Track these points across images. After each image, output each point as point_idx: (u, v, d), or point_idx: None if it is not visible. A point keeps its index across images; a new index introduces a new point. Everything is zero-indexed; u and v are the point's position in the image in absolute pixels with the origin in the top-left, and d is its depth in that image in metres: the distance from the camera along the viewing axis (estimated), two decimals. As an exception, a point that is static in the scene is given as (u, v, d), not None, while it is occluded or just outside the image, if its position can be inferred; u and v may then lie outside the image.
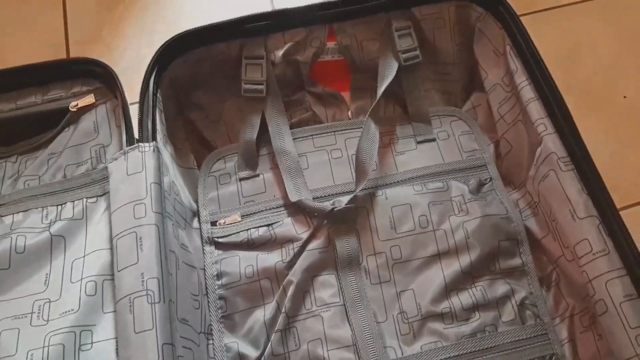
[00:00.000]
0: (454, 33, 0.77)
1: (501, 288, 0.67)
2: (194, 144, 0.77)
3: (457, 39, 0.77)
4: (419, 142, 0.76)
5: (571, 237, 0.61)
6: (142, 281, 0.54)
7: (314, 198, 0.70)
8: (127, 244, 0.57)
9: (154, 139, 0.64)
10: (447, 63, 0.79)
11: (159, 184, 0.61)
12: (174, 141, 0.73)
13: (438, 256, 0.67)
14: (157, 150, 0.63)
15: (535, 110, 0.67)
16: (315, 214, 0.68)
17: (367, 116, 0.70)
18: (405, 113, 0.78)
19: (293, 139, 0.74)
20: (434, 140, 0.76)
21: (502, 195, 0.72)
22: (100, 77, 0.70)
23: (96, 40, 0.95)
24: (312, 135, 0.76)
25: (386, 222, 0.68)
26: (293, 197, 0.69)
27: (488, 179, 0.73)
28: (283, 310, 0.64)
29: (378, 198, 0.70)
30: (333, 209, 0.66)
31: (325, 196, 0.71)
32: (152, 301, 0.53)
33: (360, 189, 0.67)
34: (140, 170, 0.61)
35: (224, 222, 0.70)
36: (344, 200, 0.68)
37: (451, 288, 0.66)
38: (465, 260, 0.67)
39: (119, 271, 0.56)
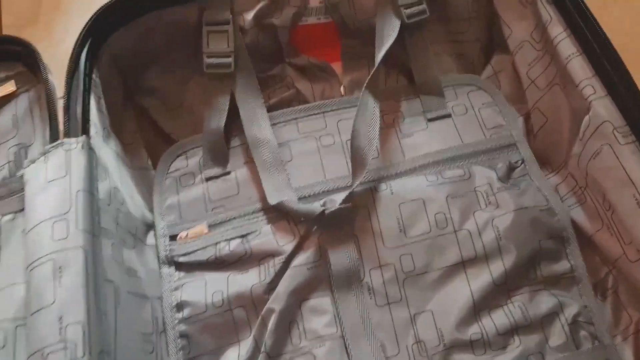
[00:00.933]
0: None
1: (546, 302, 0.53)
2: (149, 138, 0.64)
3: None
4: (430, 120, 0.62)
5: (636, 229, 0.50)
6: (60, 328, 0.41)
7: (299, 198, 0.57)
8: (42, 276, 0.43)
9: (85, 132, 0.50)
10: (461, 19, 0.66)
11: (91, 192, 0.47)
12: (122, 135, 0.60)
13: (462, 265, 0.53)
14: (88, 147, 0.49)
15: (579, 68, 0.54)
16: (302, 219, 0.55)
17: (363, 89, 0.57)
18: (411, 84, 0.65)
19: (272, 125, 0.61)
20: (448, 116, 0.62)
21: (539, 180, 0.59)
22: (23, 59, 0.57)
23: (33, 22, 0.82)
24: (295, 118, 0.63)
25: (393, 225, 0.54)
26: (272, 199, 0.55)
27: (519, 161, 0.60)
28: (263, 349, 0.50)
29: (382, 194, 0.56)
30: (324, 211, 0.53)
31: (314, 195, 0.58)
32: (73, 356, 0.39)
33: (357, 183, 0.54)
34: (63, 175, 0.47)
35: (186, 236, 0.56)
36: (338, 199, 0.55)
37: (481, 307, 0.52)
38: (497, 268, 0.53)
39: (31, 315, 0.42)
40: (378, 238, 0.54)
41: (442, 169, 0.59)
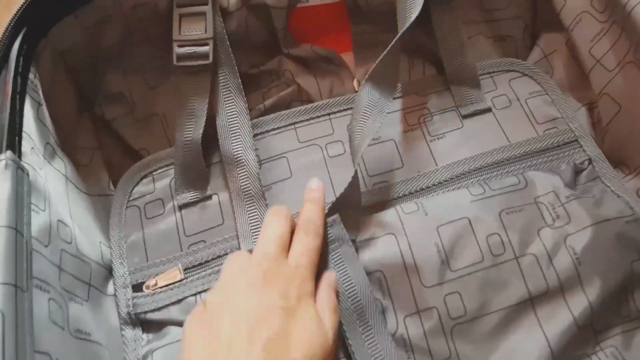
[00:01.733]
0: None
1: (647, 348, 0.39)
2: (114, 157, 0.52)
3: None
4: (465, 117, 0.50)
5: None
6: None
7: None
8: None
9: (11, 147, 0.37)
10: None
11: (16, 230, 0.34)
12: (75, 153, 0.47)
13: (530, 302, 0.40)
14: (15, 168, 0.36)
15: None
16: None
17: (365, 77, 0.44)
18: (440, 74, 0.53)
19: (265, 132, 0.49)
20: (488, 110, 0.50)
21: (615, 184, 0.45)
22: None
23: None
24: (294, 123, 0.50)
25: (432, 255, 0.41)
26: (244, 245, 0.44)
27: (586, 162, 0.47)
28: None
29: (413, 216, 0.43)
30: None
31: None
32: None
33: (355, 172, 0.42)
34: (-26, 206, 0.34)
35: (155, 284, 0.44)
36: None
37: (562, 359, 0.38)
38: (579, 304, 0.39)
39: None
40: (413, 274, 0.40)
41: (488, 177, 0.46)
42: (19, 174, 0.37)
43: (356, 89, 0.53)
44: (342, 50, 0.55)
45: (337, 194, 0.44)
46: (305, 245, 0.39)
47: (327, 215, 0.41)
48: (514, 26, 0.55)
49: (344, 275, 0.40)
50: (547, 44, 0.54)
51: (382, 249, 0.41)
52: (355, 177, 0.41)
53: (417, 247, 0.41)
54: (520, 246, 0.41)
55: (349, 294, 0.39)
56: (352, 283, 0.40)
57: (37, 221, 0.37)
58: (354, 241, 0.42)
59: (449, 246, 0.41)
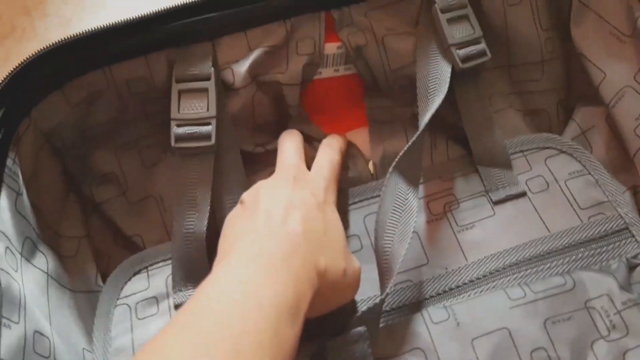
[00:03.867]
0: (539, 10, 0.50)
1: None
2: (103, 244, 0.48)
3: (545, 20, 0.50)
4: (496, 203, 0.46)
5: None
6: None
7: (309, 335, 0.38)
8: None
9: None
10: (530, 64, 0.51)
11: None
12: (58, 244, 0.44)
13: None
14: None
15: None
16: None
17: (391, 168, 0.40)
18: (467, 154, 0.49)
19: None
20: (522, 195, 0.46)
21: None
22: None
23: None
24: None
25: None
26: None
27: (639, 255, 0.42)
28: None
29: (442, 326, 0.38)
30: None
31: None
32: None
33: (387, 291, 0.37)
34: None
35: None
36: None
37: None
38: None
39: None
40: (445, 397, 0.35)
41: (527, 275, 0.41)
42: None
43: (371, 172, 0.49)
44: (356, 125, 0.52)
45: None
46: (328, 159, 0.44)
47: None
48: (547, 99, 0.52)
49: None
50: (585, 119, 0.51)
51: None
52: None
53: (448, 367, 0.36)
54: (571, 364, 0.36)
55: None
56: None
57: (9, 339, 0.33)
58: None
59: (487, 364, 0.36)
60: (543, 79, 0.51)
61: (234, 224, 0.38)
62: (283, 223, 0.35)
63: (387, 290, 0.36)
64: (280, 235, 0.34)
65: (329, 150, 0.45)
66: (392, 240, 0.38)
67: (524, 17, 0.49)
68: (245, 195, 0.39)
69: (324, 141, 0.46)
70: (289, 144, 0.45)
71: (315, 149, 0.48)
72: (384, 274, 0.38)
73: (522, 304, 0.38)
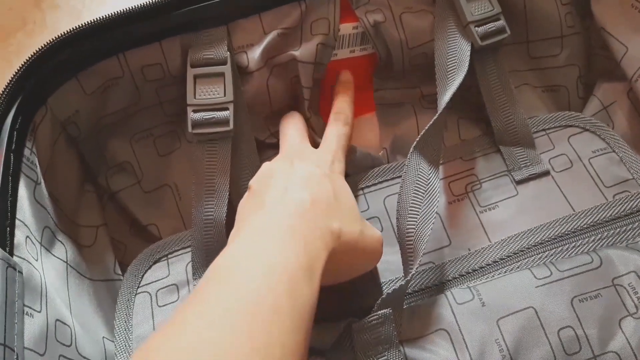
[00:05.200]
0: None
1: None
2: (121, 234, 0.48)
3: None
4: (519, 182, 0.45)
5: None
6: None
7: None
8: None
9: (2, 241, 0.34)
10: (550, 38, 0.51)
11: (4, 346, 0.31)
12: (77, 234, 0.44)
13: (615, 414, 0.34)
14: (5, 267, 0.33)
15: None
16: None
17: (411, 150, 0.40)
18: (486, 134, 0.49)
19: None
20: (546, 174, 0.45)
21: None
22: None
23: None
24: None
25: (493, 354, 0.36)
26: None
27: None
28: None
29: (466, 306, 0.38)
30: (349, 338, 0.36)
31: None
32: None
33: (410, 278, 0.37)
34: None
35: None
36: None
37: None
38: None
39: None
40: (471, 377, 0.35)
41: (552, 254, 0.41)
42: (10, 273, 0.33)
43: (387, 158, 0.50)
44: (366, 110, 0.52)
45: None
46: (336, 132, 0.45)
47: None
48: (567, 76, 0.51)
49: None
50: (606, 95, 0.50)
51: (433, 348, 0.36)
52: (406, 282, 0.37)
53: (474, 345, 0.36)
54: (599, 342, 0.36)
55: None
56: None
57: (32, 328, 0.33)
58: (400, 342, 0.37)
59: (513, 344, 0.36)
60: (562, 55, 0.51)
61: (244, 206, 0.39)
62: (290, 194, 0.36)
63: (413, 272, 0.37)
64: (287, 205, 0.35)
65: (338, 123, 0.45)
66: (416, 222, 0.38)
67: (543, -9, 0.49)
68: (253, 181, 0.40)
69: (332, 112, 0.47)
70: (292, 127, 0.46)
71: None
72: (407, 255, 0.38)
73: (548, 283, 0.38)
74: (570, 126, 0.48)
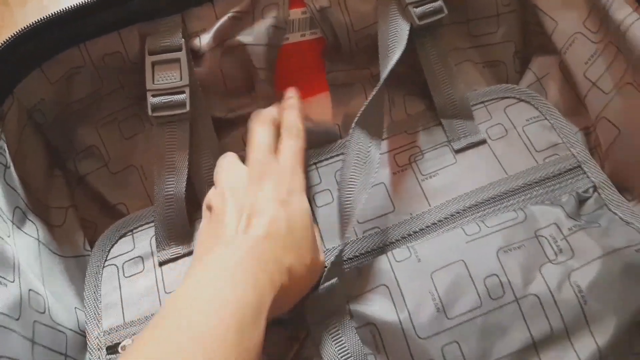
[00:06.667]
0: None
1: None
2: (90, 214, 0.52)
3: None
4: (458, 151, 0.50)
5: None
6: None
7: None
8: None
9: None
10: (486, 17, 0.55)
11: None
12: (48, 214, 0.48)
13: (534, 348, 0.39)
14: None
15: None
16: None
17: (352, 127, 0.44)
18: (430, 109, 0.53)
19: None
20: (483, 142, 0.50)
21: (624, 211, 0.45)
22: None
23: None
24: None
25: (427, 304, 0.41)
26: None
27: (590, 189, 0.47)
28: None
29: (405, 263, 0.43)
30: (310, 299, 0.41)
31: None
32: None
33: (342, 246, 0.42)
34: None
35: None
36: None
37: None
38: (587, 347, 0.39)
39: None
40: (407, 326, 0.40)
41: (484, 214, 0.46)
42: None
43: (341, 135, 0.54)
44: (318, 90, 0.55)
45: (327, 244, 0.45)
46: (291, 148, 0.46)
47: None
48: (503, 51, 0.56)
49: (340, 348, 0.40)
50: (540, 67, 0.55)
51: (374, 302, 0.41)
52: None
53: (410, 297, 0.41)
54: (521, 286, 0.40)
55: None
56: (348, 354, 0.40)
57: (5, 295, 0.37)
58: (347, 299, 0.42)
59: (445, 293, 0.40)
60: (499, 32, 0.55)
61: (203, 231, 0.43)
62: (245, 231, 0.39)
63: (345, 240, 0.41)
64: (242, 243, 0.38)
65: (291, 138, 0.47)
66: (353, 192, 0.42)
67: (480, -27, 0.53)
68: (213, 200, 0.43)
69: (283, 128, 0.48)
70: (260, 137, 0.46)
71: None
72: (344, 222, 0.42)
73: (477, 238, 0.43)
74: (507, 97, 0.52)
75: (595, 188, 0.46)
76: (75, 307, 0.45)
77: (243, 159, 0.46)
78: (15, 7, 0.76)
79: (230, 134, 0.53)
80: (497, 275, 0.41)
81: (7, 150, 0.44)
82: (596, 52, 0.49)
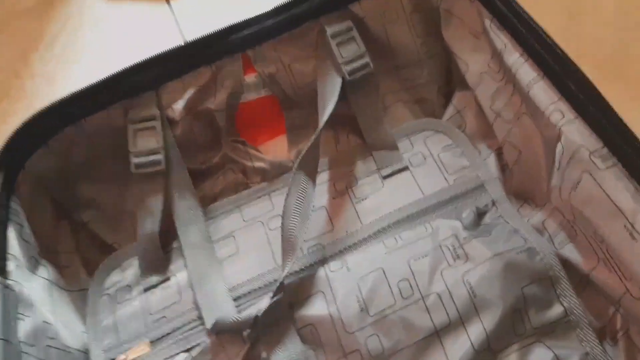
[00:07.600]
0: (413, 24, 0.64)
1: (541, 359, 0.49)
2: (92, 254, 0.63)
3: (419, 29, 0.65)
4: (385, 177, 0.61)
5: (634, 263, 0.47)
6: None
7: (241, 296, 0.56)
8: None
9: (0, 270, 0.51)
10: (412, 64, 0.66)
11: (6, 340, 0.47)
12: (57, 258, 0.59)
13: (436, 334, 0.51)
14: (3, 287, 0.49)
15: (543, 93, 0.53)
16: (245, 330, 0.53)
17: (295, 165, 0.54)
18: (364, 144, 0.64)
19: (214, 217, 0.61)
20: (405, 169, 0.61)
21: (514, 220, 0.56)
22: None
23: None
24: (239, 205, 0.62)
25: (353, 305, 0.52)
26: (208, 321, 0.54)
27: (489, 204, 0.58)
28: None
29: (337, 274, 0.54)
30: (257, 316, 0.51)
31: (265, 286, 0.56)
32: None
33: (287, 271, 0.51)
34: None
35: (125, 359, 0.54)
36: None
37: (465, 379, 0.49)
38: (476, 330, 0.50)
39: None
40: (338, 323, 0.51)
41: (401, 229, 0.57)
42: (6, 292, 0.49)
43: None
44: (278, 133, 0.67)
45: (278, 260, 0.56)
46: None
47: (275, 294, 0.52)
48: (429, 90, 0.66)
49: (284, 349, 0.52)
50: (460, 101, 0.65)
51: (313, 306, 0.52)
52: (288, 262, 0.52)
53: (340, 299, 0.52)
54: (425, 287, 0.51)
55: None
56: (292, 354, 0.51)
57: (24, 327, 0.49)
58: (291, 305, 0.53)
59: (367, 295, 0.52)
60: (424, 74, 0.66)
61: None
62: None
63: (287, 271, 0.50)
64: None
65: None
66: (295, 224, 0.51)
67: (401, 29, 0.64)
68: None
69: None
70: None
71: (248, 153, 0.64)
72: (285, 247, 0.51)
73: (393, 250, 0.54)
74: (425, 130, 0.63)
75: (493, 202, 0.57)
76: (82, 332, 0.56)
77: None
78: (26, 79, 0.88)
79: (205, 180, 0.64)
80: (408, 279, 0.52)
81: (21, 212, 0.55)
82: (499, 88, 0.59)
